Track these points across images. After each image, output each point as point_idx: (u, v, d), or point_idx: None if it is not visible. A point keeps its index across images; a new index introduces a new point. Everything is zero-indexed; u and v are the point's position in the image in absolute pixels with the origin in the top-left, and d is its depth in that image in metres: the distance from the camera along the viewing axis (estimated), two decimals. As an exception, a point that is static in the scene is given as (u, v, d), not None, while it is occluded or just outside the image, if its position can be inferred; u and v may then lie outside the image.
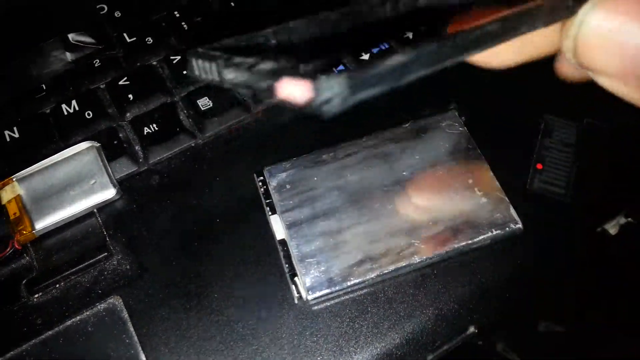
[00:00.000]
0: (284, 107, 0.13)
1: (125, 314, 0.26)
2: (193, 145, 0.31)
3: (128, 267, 0.27)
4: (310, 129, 0.31)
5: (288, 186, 0.27)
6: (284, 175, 0.28)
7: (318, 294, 0.24)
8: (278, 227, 0.26)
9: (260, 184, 0.28)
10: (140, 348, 0.25)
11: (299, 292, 0.25)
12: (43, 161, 0.29)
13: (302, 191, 0.27)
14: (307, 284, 0.25)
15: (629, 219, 0.28)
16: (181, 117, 0.32)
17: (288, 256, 0.26)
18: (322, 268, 0.25)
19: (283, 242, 0.26)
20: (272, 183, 0.27)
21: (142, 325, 0.25)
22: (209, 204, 0.29)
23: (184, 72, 0.33)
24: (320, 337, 0.25)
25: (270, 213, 0.27)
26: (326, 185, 0.27)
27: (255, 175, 0.28)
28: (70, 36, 0.32)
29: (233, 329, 0.25)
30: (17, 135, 0.31)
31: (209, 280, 0.26)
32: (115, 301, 0.26)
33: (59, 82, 0.33)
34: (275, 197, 0.27)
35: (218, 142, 0.31)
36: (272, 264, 0.26)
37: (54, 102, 0.32)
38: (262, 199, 0.28)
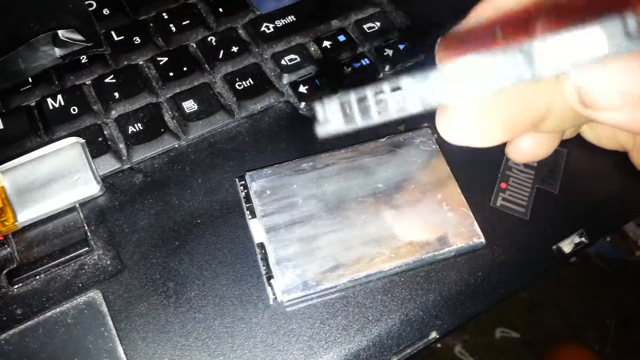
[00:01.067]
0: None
1: (105, 308, 0.26)
2: (177, 146, 0.32)
3: (108, 262, 0.28)
4: (290, 138, 0.32)
5: (268, 192, 0.29)
6: (264, 181, 0.29)
7: (293, 296, 0.26)
8: (257, 230, 0.28)
9: (241, 187, 0.29)
10: (118, 341, 0.26)
11: (274, 294, 0.26)
12: (28, 154, 0.29)
13: (281, 197, 0.28)
14: (283, 286, 0.26)
15: (583, 239, 0.30)
16: (166, 118, 0.33)
17: (265, 259, 0.27)
18: (298, 272, 0.26)
19: (261, 245, 0.27)
20: (253, 188, 0.29)
21: (121, 320, 0.26)
22: (190, 204, 0.30)
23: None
24: (293, 337, 0.26)
25: (250, 217, 0.28)
26: (304, 193, 0.28)
27: (237, 179, 0.30)
28: (60, 32, 0.32)
29: (209, 326, 0.26)
30: (1, 127, 0.31)
31: (187, 279, 0.27)
32: (95, 295, 0.27)
33: (45, 77, 0.33)
34: (255, 201, 0.28)
35: (202, 145, 0.32)
36: (249, 266, 0.28)
37: (40, 95, 0.33)
38: (243, 202, 0.29)
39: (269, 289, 0.26)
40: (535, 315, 0.91)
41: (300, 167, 0.29)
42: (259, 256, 0.27)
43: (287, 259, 0.27)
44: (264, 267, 0.27)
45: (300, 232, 0.27)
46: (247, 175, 0.29)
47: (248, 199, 0.29)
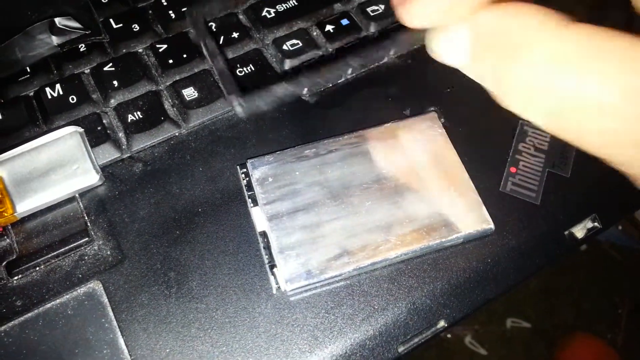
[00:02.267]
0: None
1: (105, 299, 0.26)
2: (177, 134, 0.31)
3: (108, 252, 0.27)
4: (292, 124, 0.31)
5: (270, 179, 0.28)
6: (266, 168, 0.28)
7: (296, 285, 0.25)
8: (259, 219, 0.27)
9: (243, 175, 0.29)
10: (119, 332, 0.25)
11: (277, 283, 0.26)
12: (26, 144, 0.29)
13: (283, 185, 0.28)
14: (286, 275, 0.25)
15: (596, 224, 0.29)
16: (166, 106, 0.32)
17: (268, 247, 0.26)
18: (301, 260, 0.26)
19: (263, 234, 0.27)
20: (255, 175, 0.28)
21: (122, 311, 0.26)
22: (191, 193, 0.29)
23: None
24: (297, 327, 0.25)
25: (252, 205, 0.28)
26: (307, 180, 0.28)
27: (238, 167, 0.29)
28: (57, 20, 0.32)
29: (211, 316, 0.26)
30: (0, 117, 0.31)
31: (188, 268, 0.27)
32: (95, 286, 0.26)
33: (43, 66, 0.33)
34: (257, 189, 0.28)
35: (202, 133, 0.31)
36: (252, 255, 0.27)
37: (38, 85, 0.32)
38: (245, 190, 0.28)
39: (272, 278, 0.26)
40: (546, 305, 0.90)
41: (303, 154, 0.29)
42: (261, 245, 0.27)
43: (290, 247, 0.26)
44: (267, 256, 0.26)
45: (303, 220, 0.27)
46: (249, 163, 0.28)
47: (250, 186, 0.28)
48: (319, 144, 0.29)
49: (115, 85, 0.32)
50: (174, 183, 0.29)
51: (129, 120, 0.31)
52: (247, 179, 0.28)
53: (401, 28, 0.21)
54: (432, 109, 0.31)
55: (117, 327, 0.25)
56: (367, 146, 0.29)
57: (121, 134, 0.31)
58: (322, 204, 0.27)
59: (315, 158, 0.28)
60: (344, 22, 0.35)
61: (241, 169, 0.29)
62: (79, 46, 0.33)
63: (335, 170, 0.28)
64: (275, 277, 0.26)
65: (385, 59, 0.34)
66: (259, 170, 0.28)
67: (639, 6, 0.18)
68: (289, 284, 0.25)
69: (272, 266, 0.26)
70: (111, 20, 0.35)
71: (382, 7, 0.35)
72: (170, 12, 0.35)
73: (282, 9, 0.35)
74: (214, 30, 0.34)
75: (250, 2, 0.36)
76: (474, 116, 0.31)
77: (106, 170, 0.30)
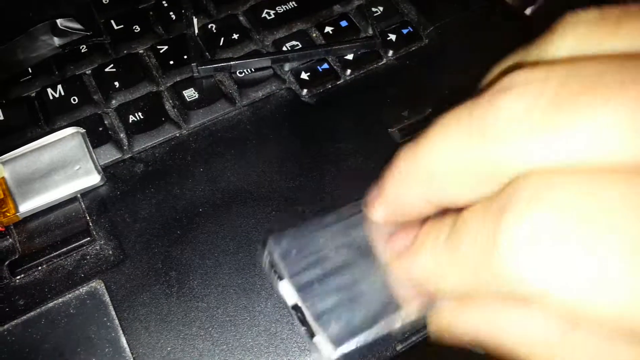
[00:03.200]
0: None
1: (107, 298, 0.26)
2: (178, 135, 0.31)
3: (110, 252, 0.28)
4: (292, 125, 0.32)
5: (294, 251, 0.26)
6: (287, 241, 0.27)
7: (346, 348, 0.23)
8: (288, 292, 0.25)
9: (266, 253, 0.27)
10: (121, 331, 0.25)
11: (325, 350, 0.24)
12: (28, 145, 0.29)
13: (309, 253, 0.26)
14: (331, 338, 0.23)
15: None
16: (167, 106, 0.32)
17: (304, 319, 0.25)
18: (342, 322, 0.24)
19: (296, 307, 0.25)
20: (277, 251, 0.26)
21: (124, 310, 0.26)
22: (191, 193, 0.29)
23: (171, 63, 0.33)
24: (296, 325, 0.26)
25: (278, 280, 0.26)
26: (333, 245, 0.26)
27: (261, 244, 0.28)
28: (59, 21, 0.32)
29: (212, 315, 0.26)
30: (1, 118, 0.31)
31: (189, 268, 0.27)
32: (97, 285, 0.27)
33: (45, 67, 0.33)
34: (281, 264, 0.26)
35: (203, 134, 0.31)
36: (252, 255, 0.27)
37: (40, 86, 0.33)
38: (268, 267, 0.27)
39: (315, 349, 0.24)
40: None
41: (325, 222, 0.27)
42: (296, 319, 0.25)
43: (327, 311, 0.24)
44: (305, 329, 0.24)
45: (336, 282, 0.25)
46: (270, 240, 0.27)
47: (273, 263, 0.27)
48: (339, 211, 0.28)
49: (117, 86, 0.32)
50: (175, 183, 0.30)
51: (130, 121, 0.31)
52: (270, 256, 0.27)
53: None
54: (430, 109, 0.31)
55: (118, 325, 0.26)
56: None
57: (122, 135, 0.31)
58: (353, 263, 0.25)
59: (339, 223, 0.27)
60: (343, 23, 0.35)
61: (263, 247, 0.27)
62: (80, 47, 0.34)
63: (362, 230, 0.27)
64: (319, 348, 0.24)
65: (384, 60, 0.34)
66: (281, 245, 0.27)
67: None
68: (337, 349, 0.23)
69: (312, 336, 0.24)
70: (112, 21, 0.35)
71: (381, 8, 0.36)
72: (171, 13, 0.36)
73: (282, 10, 0.36)
74: (214, 31, 0.35)
75: (250, 4, 0.36)
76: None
77: (107, 171, 0.30)
